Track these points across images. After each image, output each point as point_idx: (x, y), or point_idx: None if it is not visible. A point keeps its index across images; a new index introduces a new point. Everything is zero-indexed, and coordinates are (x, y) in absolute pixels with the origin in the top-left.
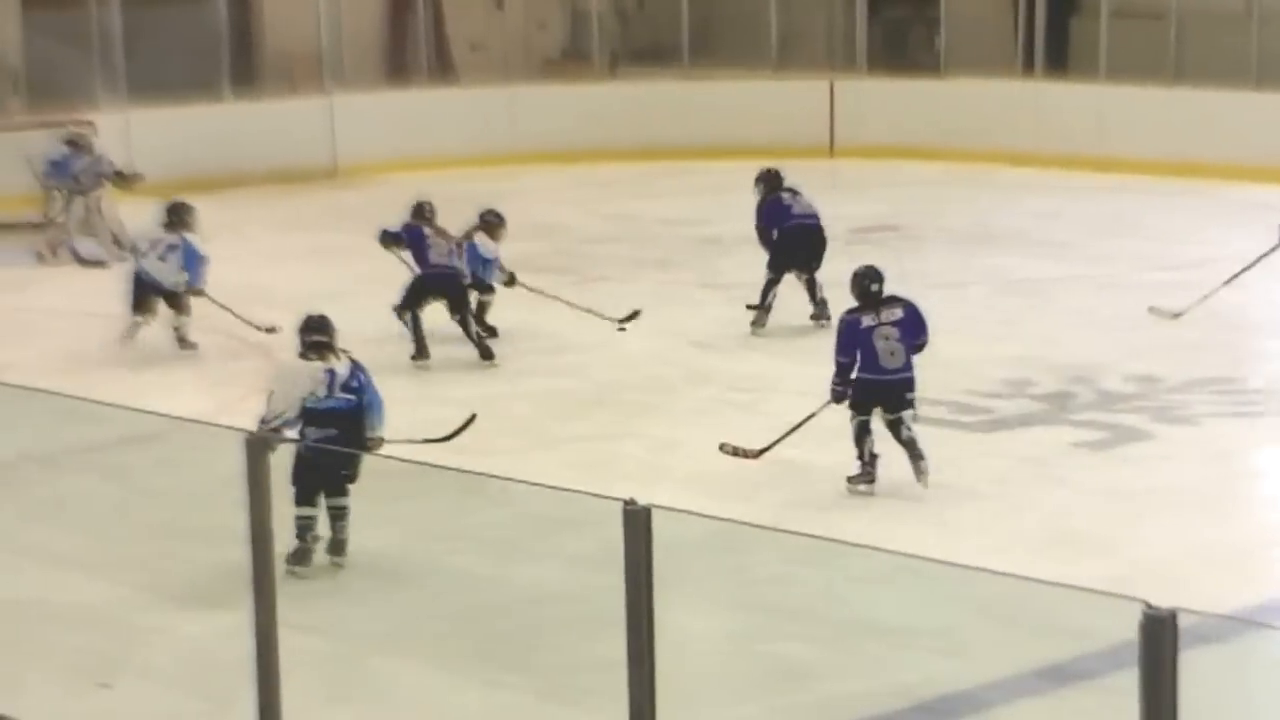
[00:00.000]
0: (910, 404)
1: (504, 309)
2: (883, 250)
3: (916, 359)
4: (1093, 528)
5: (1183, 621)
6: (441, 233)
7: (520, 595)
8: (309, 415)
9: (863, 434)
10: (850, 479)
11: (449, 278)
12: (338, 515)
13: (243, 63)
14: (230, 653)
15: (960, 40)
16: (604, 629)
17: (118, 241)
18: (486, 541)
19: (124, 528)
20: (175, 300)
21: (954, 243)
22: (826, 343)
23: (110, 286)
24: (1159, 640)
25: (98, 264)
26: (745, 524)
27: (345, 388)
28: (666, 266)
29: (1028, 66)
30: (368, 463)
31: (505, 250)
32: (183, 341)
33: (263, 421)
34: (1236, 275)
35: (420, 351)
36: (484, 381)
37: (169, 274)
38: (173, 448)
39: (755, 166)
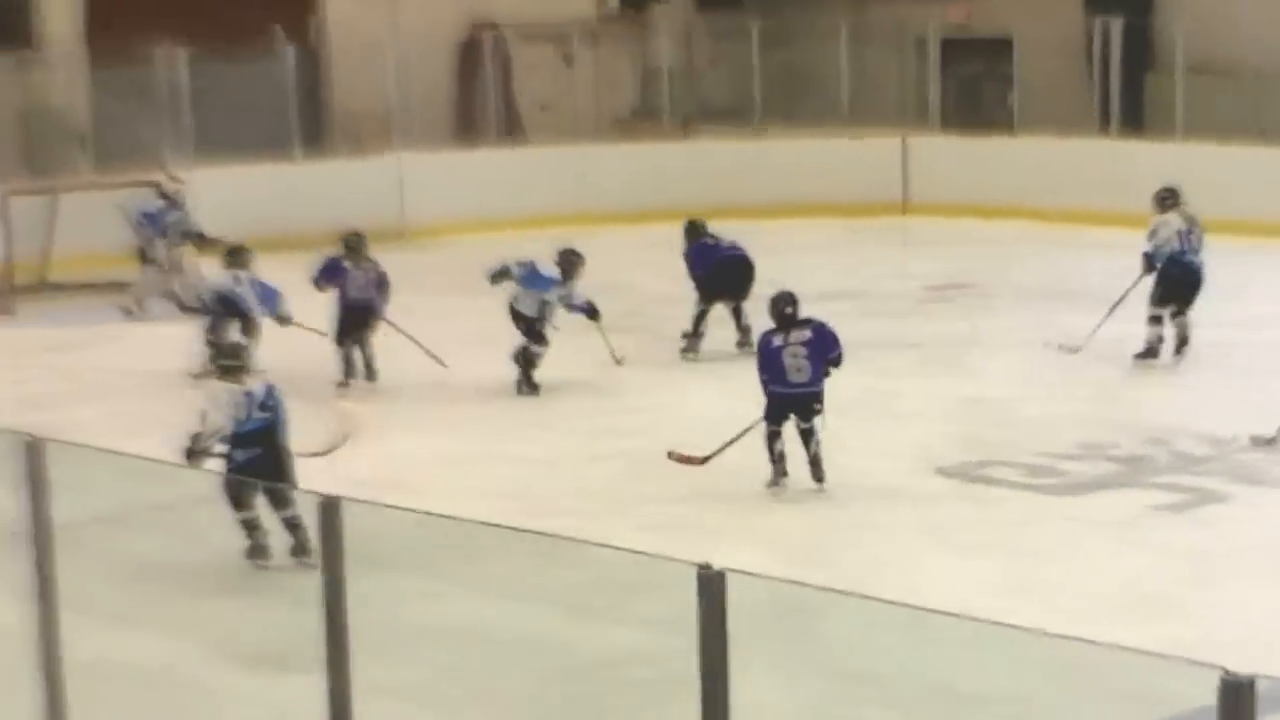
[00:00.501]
0: (818, 412)
1: (571, 367)
2: (956, 308)
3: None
4: (1170, 591)
5: (1261, 687)
6: (361, 265)
7: (594, 659)
8: (235, 439)
9: (773, 441)
10: (768, 483)
11: (364, 310)
12: (293, 524)
13: (311, 122)
14: (303, 715)
15: (1034, 97)
16: (678, 694)
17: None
18: (560, 605)
19: (194, 587)
20: (250, 326)
21: (1028, 301)
22: (889, 400)
23: (182, 344)
24: (1237, 706)
25: (196, 311)
26: (822, 588)
27: (262, 406)
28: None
29: (1103, 124)
30: (446, 528)
31: None
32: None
33: (197, 437)
34: (1117, 304)
35: (345, 382)
36: (552, 440)
37: (254, 304)
38: None
39: (831, 224)
